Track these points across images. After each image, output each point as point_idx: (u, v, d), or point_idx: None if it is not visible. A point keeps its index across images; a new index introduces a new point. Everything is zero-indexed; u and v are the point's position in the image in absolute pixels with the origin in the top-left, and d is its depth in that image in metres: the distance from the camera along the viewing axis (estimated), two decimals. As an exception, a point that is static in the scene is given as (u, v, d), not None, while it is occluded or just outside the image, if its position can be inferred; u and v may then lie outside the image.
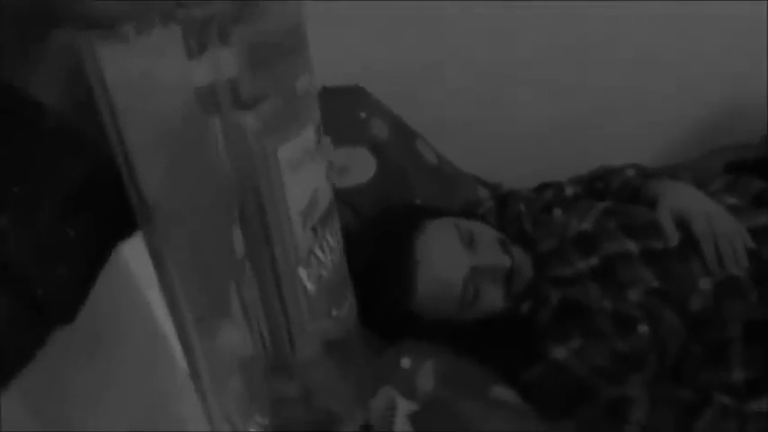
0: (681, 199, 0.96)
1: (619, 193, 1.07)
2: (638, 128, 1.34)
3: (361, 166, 1.06)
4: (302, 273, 0.35)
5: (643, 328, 0.84)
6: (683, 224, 0.92)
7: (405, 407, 0.67)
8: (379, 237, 0.88)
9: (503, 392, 0.79)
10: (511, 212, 1.09)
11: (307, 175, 0.36)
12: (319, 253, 0.36)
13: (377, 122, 1.12)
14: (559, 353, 0.83)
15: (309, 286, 0.35)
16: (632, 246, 0.92)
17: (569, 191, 1.13)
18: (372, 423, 0.69)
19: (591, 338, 0.84)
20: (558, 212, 1.04)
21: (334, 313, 0.37)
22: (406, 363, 0.75)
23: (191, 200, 0.33)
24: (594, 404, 0.79)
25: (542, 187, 1.17)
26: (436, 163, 1.17)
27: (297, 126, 0.34)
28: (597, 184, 1.12)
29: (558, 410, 0.80)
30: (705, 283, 0.87)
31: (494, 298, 0.87)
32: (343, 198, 1.02)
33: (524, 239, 0.98)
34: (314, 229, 0.37)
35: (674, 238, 0.91)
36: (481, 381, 0.79)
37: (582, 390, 0.80)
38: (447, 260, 0.85)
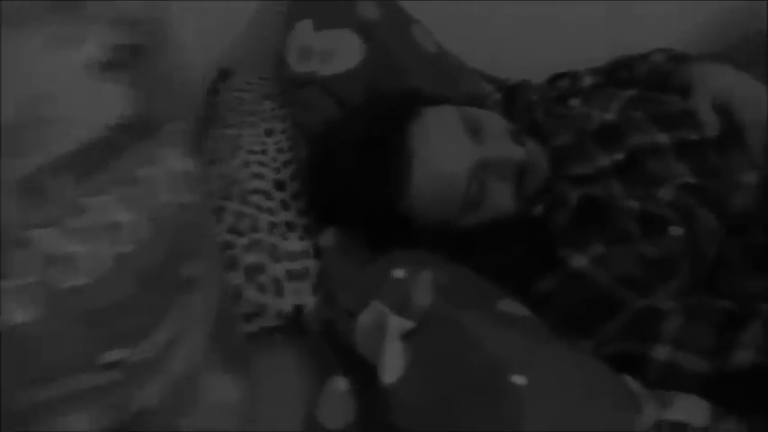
0: (720, 82, 0.83)
1: (646, 80, 0.93)
2: (665, 10, 1.18)
3: (346, 51, 0.91)
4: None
5: (676, 231, 0.72)
6: (723, 111, 0.79)
7: (397, 324, 0.56)
8: (367, 124, 0.74)
9: (513, 306, 0.67)
10: (521, 104, 0.95)
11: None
12: (51, 243, 0.17)
13: (365, 1, 0.96)
14: (579, 260, 0.71)
15: (20, 314, 0.17)
16: (663, 137, 0.79)
17: (587, 81, 0.99)
18: (358, 343, 0.58)
19: (615, 243, 0.72)
20: (575, 102, 0.90)
21: (110, 358, 0.19)
22: (399, 273, 0.63)
23: None
24: (620, 319, 0.68)
25: (556, 77, 1.03)
26: (435, 51, 1.02)
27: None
28: (620, 73, 0.98)
29: (578, 327, 0.69)
30: (749, 177, 0.74)
31: (503, 198, 0.74)
32: (326, 87, 0.88)
33: (537, 132, 0.84)
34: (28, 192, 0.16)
35: (713, 126, 0.78)
36: (487, 294, 0.68)
37: (605, 302, 0.69)
38: (448, 151, 0.71)
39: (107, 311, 0.18)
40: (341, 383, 0.56)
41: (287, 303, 0.65)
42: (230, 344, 0.32)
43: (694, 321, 0.66)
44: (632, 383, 0.62)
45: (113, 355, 0.18)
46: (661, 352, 0.66)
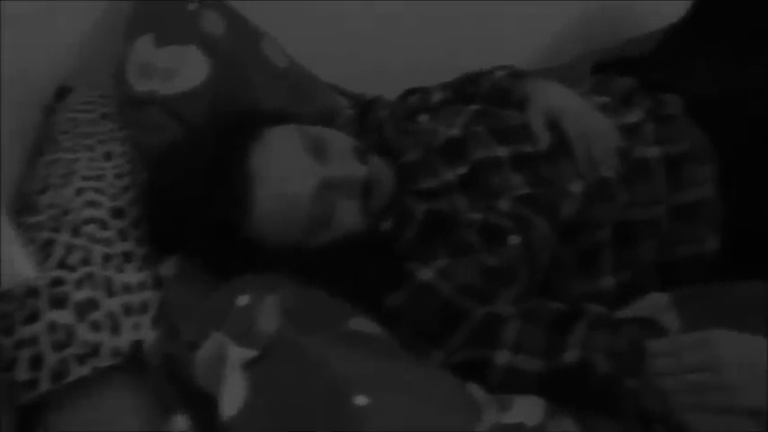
0: (551, 98, 0.88)
1: (489, 95, 0.97)
2: (503, 33, 1.26)
3: (190, 69, 0.87)
4: None
5: (514, 239, 0.76)
6: (554, 125, 0.85)
7: (238, 354, 0.54)
8: (206, 148, 0.72)
9: (364, 324, 0.68)
10: (372, 120, 0.97)
11: None
12: None
13: (210, 15, 0.93)
14: (425, 273, 0.73)
15: None
16: (502, 150, 0.83)
17: (437, 96, 1.03)
18: (199, 377, 0.56)
19: (458, 255, 0.75)
20: (424, 119, 0.93)
21: None
22: (243, 300, 0.62)
23: None
24: (465, 327, 0.71)
25: (407, 93, 1.05)
26: (286, 66, 1.01)
27: None
28: (467, 88, 1.02)
29: (428, 338, 0.71)
30: (576, 186, 0.80)
31: (350, 215, 0.75)
32: (168, 107, 0.84)
33: (386, 150, 0.86)
34: None
35: (544, 139, 0.84)
36: (338, 314, 0.68)
37: (450, 312, 0.72)
38: (290, 171, 0.71)
39: None
40: (181, 422, 0.53)
41: (124, 340, 0.61)
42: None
43: (530, 324, 0.71)
44: (476, 391, 0.65)
45: None
46: (502, 356, 0.70)
